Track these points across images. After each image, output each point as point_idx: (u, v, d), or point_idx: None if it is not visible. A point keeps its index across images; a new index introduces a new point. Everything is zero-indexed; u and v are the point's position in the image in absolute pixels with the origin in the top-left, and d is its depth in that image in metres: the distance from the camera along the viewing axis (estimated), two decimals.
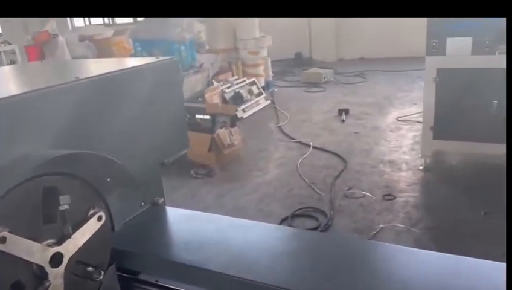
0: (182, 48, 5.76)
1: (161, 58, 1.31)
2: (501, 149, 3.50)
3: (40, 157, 0.89)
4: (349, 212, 3.28)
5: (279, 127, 5.40)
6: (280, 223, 3.21)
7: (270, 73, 7.35)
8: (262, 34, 7.05)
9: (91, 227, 1.00)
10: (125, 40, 8.09)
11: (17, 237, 0.86)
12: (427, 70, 3.58)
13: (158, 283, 1.16)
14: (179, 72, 1.40)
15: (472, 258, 1.01)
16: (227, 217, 1.29)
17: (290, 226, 3.17)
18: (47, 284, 0.93)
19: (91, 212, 1.01)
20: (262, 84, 6.93)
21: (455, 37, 3.39)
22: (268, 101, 6.53)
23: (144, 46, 5.87)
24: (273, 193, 3.72)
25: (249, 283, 0.96)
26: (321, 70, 7.67)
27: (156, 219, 1.27)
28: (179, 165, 4.44)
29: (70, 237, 0.97)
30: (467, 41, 3.36)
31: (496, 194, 3.27)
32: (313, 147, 4.57)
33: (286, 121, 5.61)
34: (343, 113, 5.54)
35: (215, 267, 1.01)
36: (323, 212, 3.30)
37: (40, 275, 0.93)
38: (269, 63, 7.24)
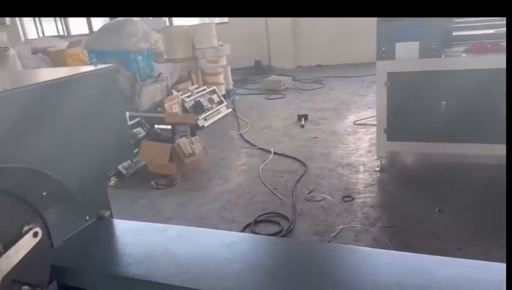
0: (139, 58, 5.69)
1: (99, 66, 1.29)
2: (452, 148, 3.68)
3: None
4: (310, 215, 3.33)
5: (241, 135, 5.43)
6: (242, 230, 3.23)
7: (231, 81, 7.37)
8: (220, 43, 7.07)
9: (26, 244, 0.96)
10: (80, 51, 7.88)
11: None
12: (378, 75, 3.71)
13: None
14: (116, 80, 1.37)
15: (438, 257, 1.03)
16: (176, 226, 1.27)
17: (252, 232, 3.19)
18: None
19: (25, 228, 0.97)
20: (223, 92, 6.94)
21: (403, 42, 3.54)
22: (230, 109, 6.54)
23: (99, 57, 5.75)
24: (235, 200, 3.73)
25: None
26: (280, 78, 7.78)
27: (101, 232, 1.24)
28: (139, 176, 4.38)
29: (1, 256, 0.93)
30: (415, 46, 3.51)
31: (449, 191, 3.43)
32: (274, 153, 4.62)
33: (247, 128, 5.64)
34: (303, 119, 5.63)
35: (161, 278, 1.00)
36: (285, 217, 3.34)
37: None
38: (229, 72, 7.27)
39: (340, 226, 3.10)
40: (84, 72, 1.23)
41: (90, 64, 5.82)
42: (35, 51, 7.57)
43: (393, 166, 4.03)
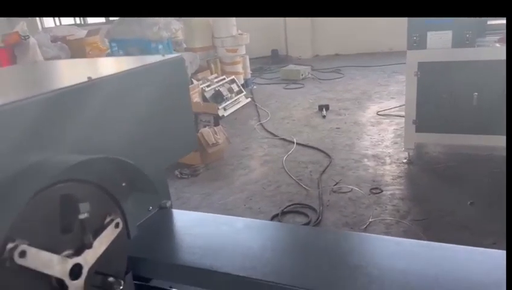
0: (160, 46, 5.65)
1: (167, 56, 1.26)
2: (482, 140, 3.60)
3: (58, 164, 0.84)
4: (338, 207, 3.30)
5: (261, 125, 5.39)
6: (271, 221, 3.20)
7: (249, 71, 7.32)
8: (239, 32, 7.01)
9: (109, 235, 0.95)
10: (99, 40, 7.89)
11: (37, 249, 0.80)
12: (408, 64, 3.63)
13: (164, 288, 1.12)
14: (185, 70, 1.35)
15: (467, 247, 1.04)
16: (236, 217, 1.27)
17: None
18: None
19: (108, 219, 0.96)
20: (241, 82, 6.89)
21: (435, 31, 3.45)
22: (249, 99, 6.50)
23: (120, 46, 5.73)
24: (260, 190, 3.70)
25: (259, 282, 0.95)
26: (299, 67, 7.70)
27: (164, 223, 1.23)
28: None
29: (90, 247, 0.91)
30: (447, 35, 3.42)
31: (481, 185, 3.36)
32: (297, 144, 4.58)
33: (268, 119, 5.59)
34: (324, 109, 5.57)
35: (231, 270, 0.99)
36: (312, 208, 3.31)
37: (60, 289, 0.87)
38: (247, 61, 7.21)
39: (370, 219, 3.06)
40: (155, 62, 1.21)
41: (111, 52, 5.81)
42: (54, 40, 7.58)
43: (421, 158, 3.97)
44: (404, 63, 3.66)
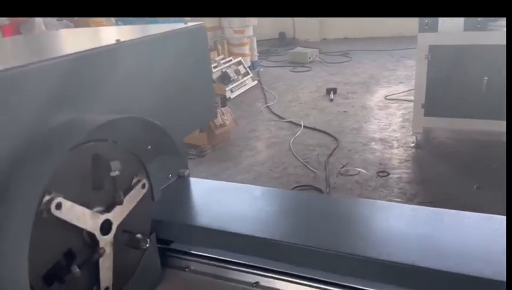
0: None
1: (190, 24, 1.27)
2: (491, 125, 3.58)
3: (93, 121, 0.85)
4: (345, 189, 3.31)
5: (268, 107, 5.38)
6: None
7: (256, 53, 7.27)
8: None
9: (136, 195, 0.98)
10: (103, 19, 7.83)
11: (72, 203, 0.83)
12: (419, 48, 3.60)
13: (191, 252, 1.15)
14: (206, 38, 1.36)
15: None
16: (252, 185, 1.31)
17: None
18: (100, 252, 0.90)
19: (135, 180, 0.98)
20: (248, 64, 6.85)
21: None
22: (255, 81, 6.47)
23: (127, 24, 5.69)
24: (267, 172, 3.72)
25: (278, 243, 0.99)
26: (306, 50, 7.64)
27: (183, 190, 1.28)
28: None
29: (122, 204, 0.94)
30: (459, 18, 3.38)
31: (487, 169, 3.36)
32: (304, 127, 4.57)
33: (275, 101, 5.58)
34: (331, 93, 5.55)
35: (249, 231, 1.05)
36: (319, 190, 3.33)
37: (91, 243, 0.90)
38: (254, 43, 7.16)
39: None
40: (179, 29, 1.22)
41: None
42: (60, 18, 7.52)
43: (429, 142, 3.96)
44: (413, 48, 3.64)
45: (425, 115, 3.72)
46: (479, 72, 3.44)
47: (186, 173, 1.34)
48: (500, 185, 3.11)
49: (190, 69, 1.27)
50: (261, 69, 7.26)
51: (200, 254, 1.09)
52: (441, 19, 3.43)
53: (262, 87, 6.21)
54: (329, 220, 1.08)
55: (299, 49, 7.89)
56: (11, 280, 0.73)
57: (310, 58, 7.40)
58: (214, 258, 1.06)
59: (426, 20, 3.48)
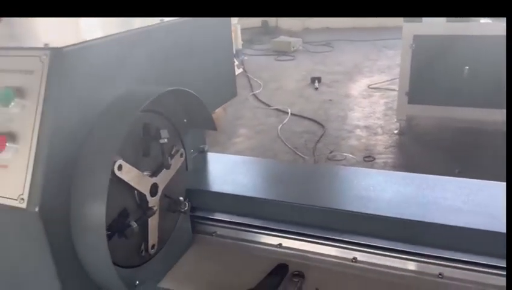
0: None
1: None
2: (471, 113, 3.75)
3: (151, 93, 0.91)
4: None
5: (254, 95, 5.44)
6: None
7: (240, 41, 7.29)
8: None
9: (176, 163, 1.05)
10: None
11: (129, 165, 0.90)
12: (404, 37, 3.71)
13: (213, 217, 1.22)
14: (230, 22, 1.43)
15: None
16: (266, 159, 1.40)
17: None
18: (150, 211, 0.97)
19: (174, 149, 1.04)
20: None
21: None
22: (240, 69, 6.51)
23: None
24: (257, 157, 3.80)
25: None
26: (290, 39, 7.71)
27: (206, 163, 1.39)
28: None
29: (169, 168, 1.01)
30: None
31: (468, 155, 3.53)
32: (291, 114, 4.66)
33: (260, 89, 5.65)
34: (316, 81, 5.64)
35: (268, 195, 1.17)
36: None
37: (141, 203, 0.97)
38: (239, 31, 7.16)
39: None
40: None
41: None
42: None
43: (411, 129, 4.11)
44: (394, 39, 3.76)
45: (409, 102, 3.85)
46: (460, 62, 3.58)
47: (206, 148, 1.42)
48: (480, 170, 3.29)
49: (218, 49, 1.35)
50: (245, 58, 7.29)
51: (226, 219, 1.17)
52: None
53: (248, 76, 6.25)
54: (332, 186, 1.21)
55: (282, 38, 7.95)
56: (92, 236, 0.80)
57: (293, 47, 7.48)
58: (238, 223, 1.13)
59: None
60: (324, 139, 4.06)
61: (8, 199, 0.77)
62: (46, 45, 0.81)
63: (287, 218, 1.08)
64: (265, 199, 1.13)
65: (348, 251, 1.00)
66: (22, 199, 0.75)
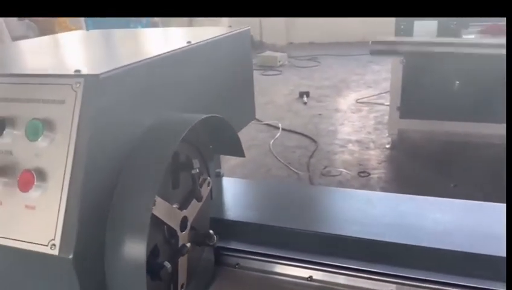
0: (139, 27, 5.52)
1: (235, 28, 1.29)
2: (464, 127, 3.79)
3: (187, 122, 0.85)
4: None
5: None
6: None
7: None
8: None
9: (204, 192, 0.98)
10: (67, 19, 7.57)
11: (162, 200, 0.84)
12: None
13: (236, 248, 1.16)
14: (249, 41, 1.39)
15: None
16: (282, 183, 1.36)
17: None
18: (184, 249, 0.91)
19: (201, 178, 0.98)
20: None
21: (422, 20, 3.59)
22: None
23: (96, 25, 5.55)
24: (251, 173, 3.75)
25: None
26: (276, 54, 7.74)
27: (222, 188, 1.34)
28: None
29: (201, 200, 0.95)
30: (433, 25, 3.57)
31: (462, 168, 3.55)
32: (282, 129, 4.64)
33: None
34: (304, 96, 5.66)
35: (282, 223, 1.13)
36: None
37: (170, 239, 0.90)
38: None
39: None
40: (226, 34, 1.23)
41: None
42: (21, 18, 7.21)
43: (403, 143, 4.13)
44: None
45: (401, 117, 3.88)
46: (451, 77, 3.63)
47: (222, 173, 1.37)
48: (475, 183, 3.31)
49: (239, 71, 1.30)
50: None
51: (249, 250, 1.11)
52: (416, 25, 3.60)
53: None
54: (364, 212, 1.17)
55: (268, 52, 7.98)
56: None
57: (279, 62, 7.51)
58: (262, 253, 1.07)
59: (402, 25, 3.65)
60: (317, 154, 4.05)
61: (37, 245, 0.69)
62: (77, 71, 0.75)
63: (317, 249, 1.03)
64: (293, 228, 1.09)
65: (385, 283, 0.95)
66: (54, 244, 0.68)
